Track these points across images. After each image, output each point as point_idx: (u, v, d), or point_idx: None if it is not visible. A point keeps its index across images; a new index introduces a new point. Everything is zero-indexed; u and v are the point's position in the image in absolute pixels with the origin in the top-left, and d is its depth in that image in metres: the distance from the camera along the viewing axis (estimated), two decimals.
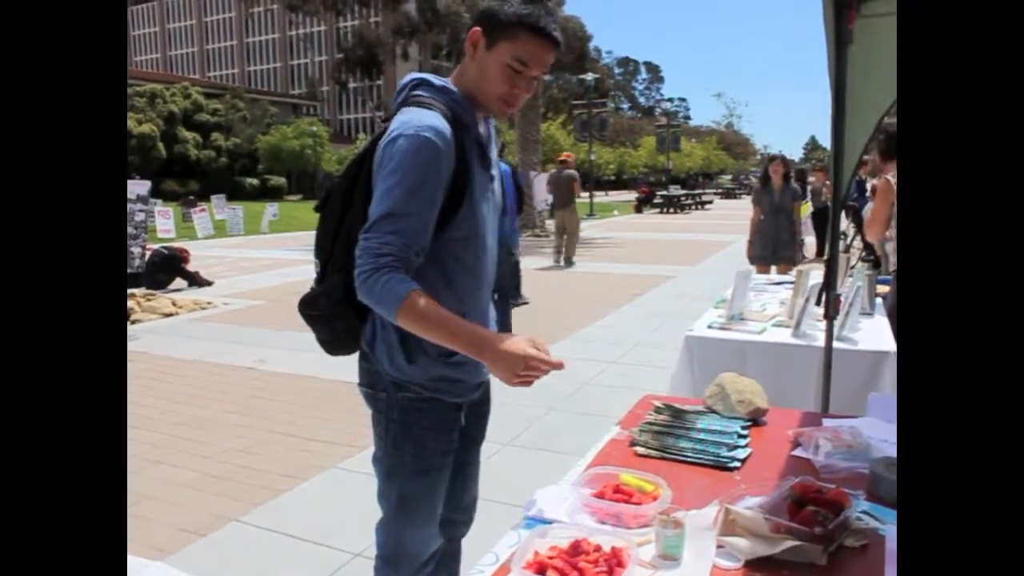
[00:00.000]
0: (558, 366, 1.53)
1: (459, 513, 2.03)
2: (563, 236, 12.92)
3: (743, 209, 30.23)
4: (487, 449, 3.86)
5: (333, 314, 1.78)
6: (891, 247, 3.86)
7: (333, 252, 1.78)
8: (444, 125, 1.62)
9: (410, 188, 1.57)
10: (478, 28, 1.68)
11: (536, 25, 1.62)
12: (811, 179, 13.98)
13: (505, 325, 2.00)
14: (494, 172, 1.84)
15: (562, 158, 13.16)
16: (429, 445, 1.79)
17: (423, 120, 1.61)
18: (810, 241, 13.91)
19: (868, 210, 8.02)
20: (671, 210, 31.47)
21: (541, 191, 18.62)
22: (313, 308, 1.81)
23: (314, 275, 1.86)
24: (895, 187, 3.62)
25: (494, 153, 1.85)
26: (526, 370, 1.52)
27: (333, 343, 1.85)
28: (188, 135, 45.24)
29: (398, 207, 1.57)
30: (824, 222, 12.84)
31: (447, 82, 1.73)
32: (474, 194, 1.71)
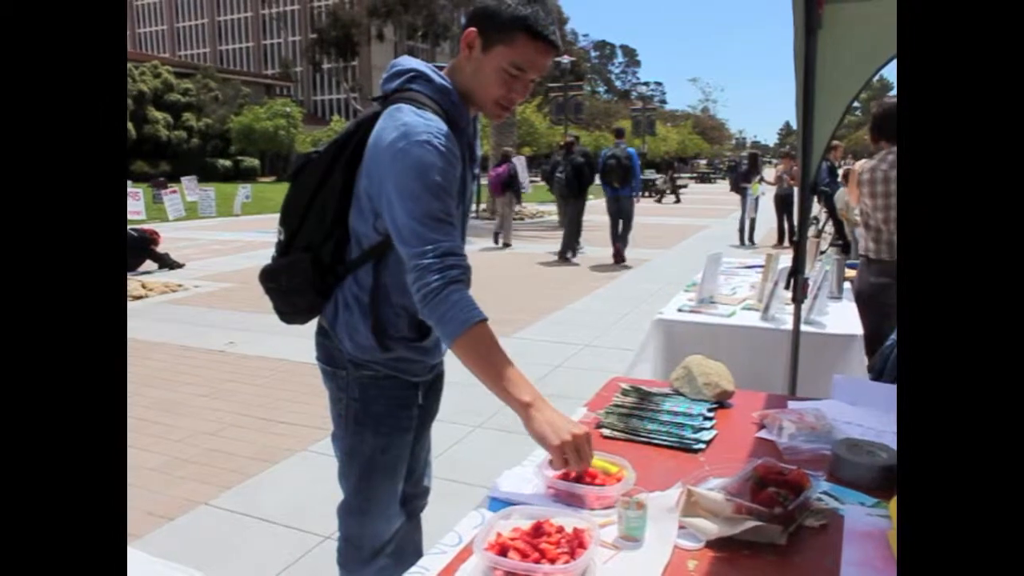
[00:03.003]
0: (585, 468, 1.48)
1: (416, 487, 2.04)
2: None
3: (718, 193, 30.39)
4: (456, 432, 3.89)
5: (295, 290, 1.76)
6: (860, 232, 3.90)
7: (302, 226, 1.76)
8: (448, 133, 1.58)
9: (437, 195, 1.53)
10: (473, 28, 1.60)
11: (534, 29, 1.55)
12: (779, 165, 14.18)
13: None
14: (476, 170, 1.82)
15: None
16: (388, 423, 1.79)
17: (430, 126, 1.55)
18: (770, 226, 14.13)
19: (840, 195, 8.11)
20: (646, 194, 31.49)
21: (517, 174, 18.61)
22: (272, 282, 1.80)
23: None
24: (858, 177, 3.69)
25: (479, 149, 1.84)
26: (574, 447, 1.43)
27: (290, 315, 1.85)
28: (158, 115, 44.46)
29: (438, 213, 1.53)
30: (788, 207, 13.00)
31: (448, 82, 1.67)
32: (462, 195, 1.71)
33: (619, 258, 11.12)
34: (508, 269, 10.70)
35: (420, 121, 1.56)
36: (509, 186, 13.57)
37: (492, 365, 1.50)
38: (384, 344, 1.72)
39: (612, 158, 10.78)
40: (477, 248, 12.87)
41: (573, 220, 11.73)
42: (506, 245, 13.61)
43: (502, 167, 13.77)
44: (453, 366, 2.04)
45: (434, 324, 1.54)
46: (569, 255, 11.77)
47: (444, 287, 1.49)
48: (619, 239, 11.16)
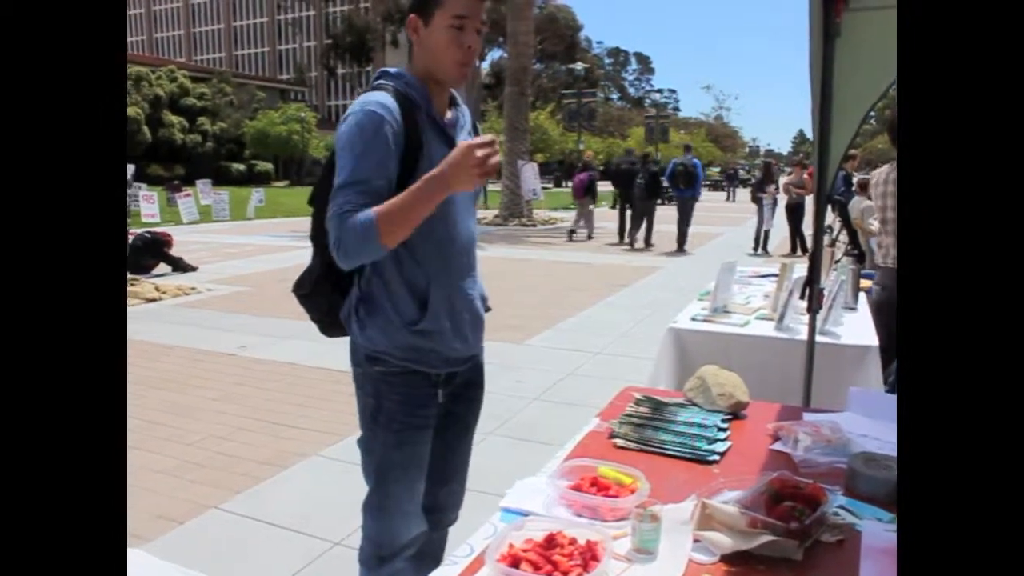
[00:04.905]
0: (492, 141, 1.61)
1: (447, 497, 2.03)
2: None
3: (724, 201, 30.21)
4: None
5: (316, 292, 1.87)
6: (874, 241, 3.87)
7: (321, 227, 1.83)
8: (388, 100, 1.69)
9: (359, 156, 1.65)
10: (413, 14, 1.75)
11: None
12: (791, 174, 14.09)
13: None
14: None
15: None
16: (401, 419, 1.81)
17: (367, 99, 1.70)
18: (783, 235, 14.08)
19: (854, 204, 8.05)
20: (660, 202, 31.32)
21: (528, 180, 18.64)
22: (300, 288, 1.90)
23: (300, 260, 1.91)
24: (871, 187, 3.68)
25: (462, 137, 1.85)
26: (477, 163, 1.57)
27: (323, 321, 1.93)
28: (174, 119, 44.81)
29: (351, 176, 1.64)
30: (798, 217, 12.91)
31: (402, 70, 1.83)
32: (429, 169, 1.71)
33: (680, 245, 13.88)
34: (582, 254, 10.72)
35: (361, 98, 1.72)
36: (589, 190, 15.91)
37: (408, 209, 1.61)
38: (379, 324, 1.78)
39: (680, 165, 13.86)
40: (506, 253, 12.91)
41: (648, 217, 14.54)
42: (589, 237, 16.22)
43: (584, 174, 16.05)
44: None
45: (358, 257, 1.65)
46: (642, 244, 14.44)
47: (339, 225, 1.60)
48: (680, 230, 13.88)
